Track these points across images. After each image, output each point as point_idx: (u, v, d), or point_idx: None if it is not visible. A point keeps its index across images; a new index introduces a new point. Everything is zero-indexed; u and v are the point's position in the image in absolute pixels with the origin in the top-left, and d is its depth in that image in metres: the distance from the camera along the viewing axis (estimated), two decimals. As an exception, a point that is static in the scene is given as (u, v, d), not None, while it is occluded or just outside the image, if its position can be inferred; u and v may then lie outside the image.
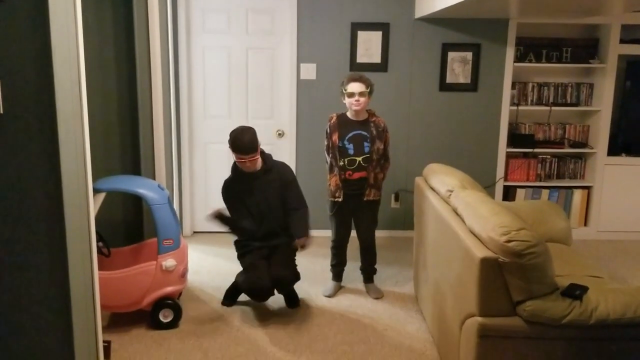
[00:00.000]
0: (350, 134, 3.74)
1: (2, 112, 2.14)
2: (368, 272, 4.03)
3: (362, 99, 3.66)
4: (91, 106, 2.72)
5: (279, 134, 5.05)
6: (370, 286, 4.01)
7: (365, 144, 3.73)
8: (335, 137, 3.74)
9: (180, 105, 4.93)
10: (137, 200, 3.95)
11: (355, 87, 3.66)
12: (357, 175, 3.76)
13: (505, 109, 5.03)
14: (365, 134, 3.73)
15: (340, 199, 3.78)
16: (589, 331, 2.37)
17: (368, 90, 3.69)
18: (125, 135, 3.91)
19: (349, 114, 3.78)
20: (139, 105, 3.90)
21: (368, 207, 3.84)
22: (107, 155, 3.79)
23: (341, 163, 3.75)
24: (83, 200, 2.48)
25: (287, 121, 5.02)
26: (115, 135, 3.84)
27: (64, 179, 2.26)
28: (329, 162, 3.82)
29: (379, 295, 3.93)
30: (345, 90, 3.69)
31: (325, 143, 3.83)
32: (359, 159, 3.74)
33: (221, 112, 5.02)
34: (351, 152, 3.73)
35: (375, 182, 3.78)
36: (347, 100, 3.71)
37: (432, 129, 5.06)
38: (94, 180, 3.06)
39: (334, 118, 3.81)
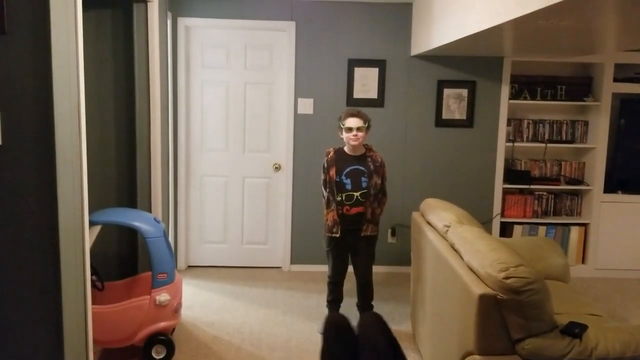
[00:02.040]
0: (348, 169, 3.74)
1: (1, 143, 2.14)
2: (364, 309, 3.98)
3: (360, 134, 3.68)
4: (89, 138, 2.73)
5: (276, 168, 5.05)
6: None
7: (363, 179, 3.73)
8: (332, 172, 3.74)
9: (178, 138, 4.95)
10: (132, 233, 3.92)
11: (353, 122, 3.68)
12: (354, 210, 3.74)
13: (501, 145, 5.06)
14: (363, 169, 3.73)
15: (337, 235, 3.76)
16: (589, 370, 2.33)
17: (366, 125, 3.71)
18: (123, 168, 3.91)
19: (346, 149, 3.79)
20: (137, 138, 3.90)
21: (365, 242, 3.82)
22: (104, 187, 3.78)
23: (339, 198, 3.74)
24: (79, 232, 2.46)
25: (284, 155, 5.04)
26: (112, 167, 3.84)
27: (60, 210, 2.25)
28: (325, 196, 3.81)
29: None
30: (343, 125, 3.71)
31: (322, 177, 3.83)
32: (357, 194, 3.73)
33: (218, 146, 5.04)
34: (349, 187, 3.73)
35: (372, 217, 3.77)
36: (344, 135, 3.72)
37: (429, 164, 5.08)
38: (90, 213, 3.04)
39: (332, 153, 3.82)
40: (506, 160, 5.12)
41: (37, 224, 2.23)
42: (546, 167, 5.20)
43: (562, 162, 5.21)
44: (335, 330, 2.50)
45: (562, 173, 5.21)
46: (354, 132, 3.67)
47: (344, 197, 3.74)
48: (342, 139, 3.76)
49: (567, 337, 2.35)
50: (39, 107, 2.16)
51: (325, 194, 3.81)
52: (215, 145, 5.04)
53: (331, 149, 3.84)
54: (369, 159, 3.75)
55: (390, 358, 2.37)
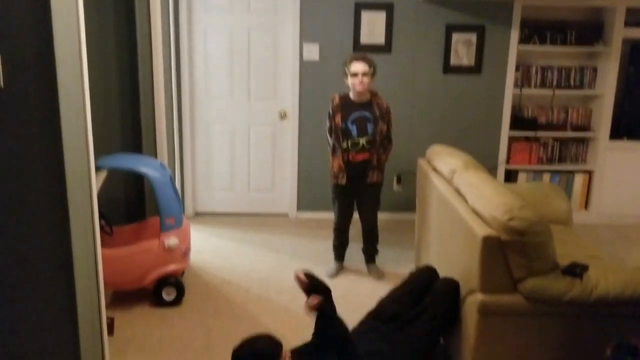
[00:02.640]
0: (354, 116, 3.72)
1: (2, 86, 2.14)
2: (370, 254, 4.05)
3: (366, 79, 3.64)
4: (92, 84, 2.71)
5: (282, 116, 5.04)
6: (372, 267, 4.03)
7: (369, 125, 3.72)
8: (338, 119, 3.73)
9: (182, 85, 4.92)
10: (138, 179, 3.97)
11: (358, 67, 3.63)
12: (360, 157, 3.75)
13: (509, 91, 5.01)
14: (369, 115, 3.71)
15: (343, 182, 3.78)
16: (588, 309, 2.38)
17: (371, 70, 3.67)
18: (127, 114, 3.91)
19: (351, 95, 3.76)
20: (140, 84, 3.89)
21: (371, 189, 3.85)
22: (109, 133, 3.79)
23: (344, 145, 3.74)
24: (85, 176, 2.48)
25: (290, 102, 5.01)
26: (116, 113, 3.84)
27: (66, 154, 2.27)
28: (331, 144, 3.82)
29: (380, 276, 3.95)
30: (349, 70, 3.67)
31: (328, 125, 3.83)
32: (362, 140, 3.72)
33: (223, 93, 5.01)
34: (354, 133, 3.72)
35: (378, 164, 3.79)
36: (350, 81, 3.68)
37: (435, 111, 5.05)
38: (95, 158, 3.07)
39: (337, 99, 3.79)
40: (513, 107, 5.08)
41: (42, 167, 2.25)
42: (553, 114, 5.17)
43: (569, 109, 5.17)
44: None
45: (569, 120, 5.18)
46: (360, 78, 3.63)
47: (349, 144, 3.73)
48: (348, 85, 3.73)
49: (568, 277, 2.40)
50: (40, 50, 2.15)
51: (331, 141, 3.81)
52: (220, 93, 5.01)
53: (336, 95, 3.82)
54: (375, 105, 3.73)
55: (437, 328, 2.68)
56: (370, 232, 4.00)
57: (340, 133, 3.73)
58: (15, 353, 2.43)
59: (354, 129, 3.72)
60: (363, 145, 3.73)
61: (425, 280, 2.86)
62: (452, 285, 2.71)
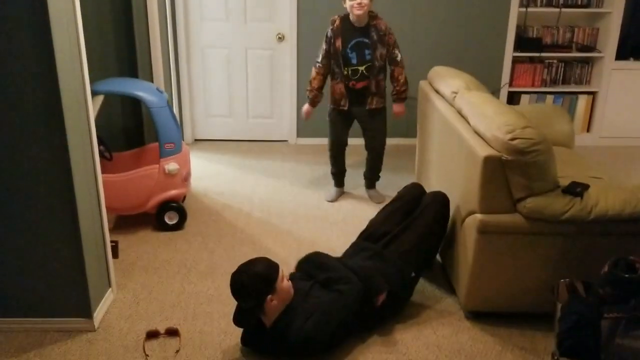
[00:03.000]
0: (353, 42, 3.62)
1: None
2: (371, 179, 4.05)
3: (365, 1, 3.51)
4: (84, 9, 2.63)
5: (279, 38, 4.91)
6: (372, 192, 4.05)
7: (367, 51, 3.62)
8: (338, 43, 3.63)
9: (176, 6, 4.76)
10: (136, 104, 3.92)
11: None
12: (360, 84, 3.70)
13: (514, 10, 4.85)
14: (367, 41, 3.61)
15: (345, 107, 3.74)
16: (588, 227, 2.41)
17: None
18: (121, 38, 3.81)
19: (351, 18, 3.63)
20: (133, 6, 3.77)
21: (373, 115, 3.80)
22: (104, 57, 3.70)
23: (345, 72, 3.67)
24: (82, 100, 2.44)
25: (288, 24, 4.87)
26: (110, 37, 3.74)
27: (60, 77, 2.22)
28: (318, 65, 3.73)
29: (380, 200, 3.98)
30: None
31: (325, 47, 3.70)
32: (362, 68, 3.65)
33: (218, 15, 4.86)
34: (354, 61, 3.64)
35: (377, 89, 3.72)
36: (348, 4, 3.55)
37: (438, 33, 4.92)
38: (91, 83, 3.01)
39: (337, 21, 3.66)
40: (518, 27, 4.94)
41: (37, 92, 2.22)
42: (558, 33, 5.03)
43: (575, 29, 5.03)
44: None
45: (575, 40, 5.05)
46: (359, 0, 3.50)
47: (350, 72, 3.67)
48: (346, 8, 3.59)
49: (568, 196, 2.40)
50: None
51: (319, 62, 3.72)
52: (215, 15, 4.86)
53: (337, 17, 3.69)
54: (372, 29, 3.62)
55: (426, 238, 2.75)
56: (375, 159, 3.98)
57: (340, 59, 3.65)
58: (22, 280, 2.48)
59: (353, 57, 3.64)
60: (363, 72, 3.66)
61: (413, 197, 2.93)
62: (439, 197, 2.78)
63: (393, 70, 3.73)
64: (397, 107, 3.83)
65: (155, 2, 3.94)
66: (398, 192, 3.03)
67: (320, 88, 3.81)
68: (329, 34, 3.68)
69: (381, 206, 3.86)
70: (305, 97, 3.90)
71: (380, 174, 4.08)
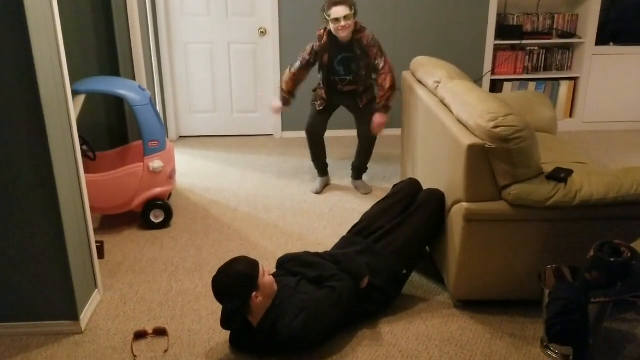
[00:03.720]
0: (340, 57, 3.68)
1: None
2: (359, 169, 4.05)
3: (348, 22, 3.52)
4: (62, 7, 2.59)
5: (261, 32, 4.88)
6: (359, 182, 4.05)
7: (353, 64, 3.69)
8: (325, 58, 3.69)
9: (156, 1, 4.70)
10: (119, 103, 3.88)
11: (338, 11, 3.49)
12: (347, 88, 3.79)
13: (494, -1, 4.87)
14: (351, 55, 3.66)
15: (320, 109, 3.84)
16: (572, 212, 2.42)
17: (352, 12, 3.53)
18: (101, 36, 3.76)
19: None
20: (112, 3, 3.72)
21: (365, 110, 3.81)
22: (84, 56, 3.65)
23: (333, 79, 3.76)
24: (62, 101, 2.41)
25: (270, 18, 4.84)
26: (90, 35, 3.69)
27: (39, 78, 2.19)
28: (295, 72, 3.76)
29: (367, 190, 3.98)
30: (329, 16, 3.53)
31: (306, 58, 3.72)
32: (349, 77, 3.73)
33: (200, 10, 4.82)
34: (342, 72, 3.73)
35: (365, 89, 3.78)
36: (332, 27, 3.56)
37: (419, 23, 4.92)
38: (71, 82, 2.97)
39: (325, 37, 3.66)
40: (498, 15, 4.96)
41: (16, 94, 2.18)
42: (539, 20, 5.06)
43: (555, 15, 5.06)
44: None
45: (555, 26, 5.08)
46: (342, 22, 3.50)
47: (337, 79, 3.76)
48: (330, 29, 3.60)
49: (553, 182, 2.42)
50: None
51: (295, 68, 3.76)
52: (196, 10, 4.82)
53: (323, 32, 3.68)
54: (356, 43, 3.63)
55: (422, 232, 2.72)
56: (366, 151, 3.98)
57: (327, 70, 3.73)
58: (6, 283, 2.45)
59: (341, 69, 3.72)
60: (350, 80, 3.75)
61: (409, 193, 2.88)
62: (435, 195, 2.74)
63: (377, 78, 3.69)
64: (377, 118, 3.70)
65: (134, -1, 3.90)
66: (394, 187, 3.00)
67: (292, 93, 3.85)
68: (315, 48, 3.69)
69: (368, 197, 3.90)
70: (283, 100, 3.89)
71: (367, 166, 4.07)
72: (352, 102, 3.84)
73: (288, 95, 3.85)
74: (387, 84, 3.65)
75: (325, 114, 3.90)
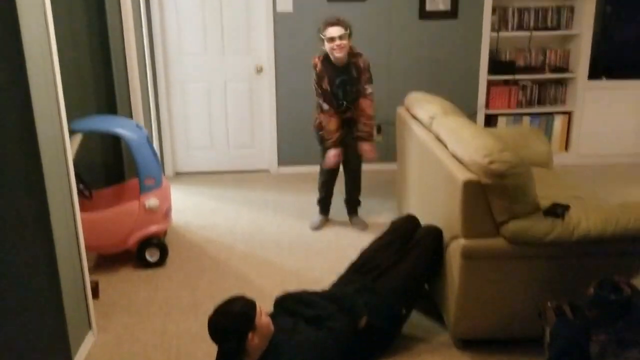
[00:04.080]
0: (338, 80, 3.67)
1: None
2: (353, 205, 4.05)
3: (344, 42, 3.55)
4: (60, 45, 2.61)
5: (258, 70, 4.93)
6: (355, 219, 4.03)
7: (350, 87, 3.69)
8: (325, 84, 3.68)
9: (154, 42, 4.77)
10: (115, 141, 3.89)
11: (334, 31, 3.53)
12: (345, 115, 3.77)
13: (486, 35, 4.95)
14: (347, 78, 3.67)
15: (341, 137, 3.78)
16: (571, 248, 2.41)
17: (347, 32, 3.57)
18: (99, 75, 3.79)
19: (332, 58, 3.65)
20: (111, 43, 3.76)
21: (356, 142, 3.81)
22: (81, 95, 3.68)
23: (336, 104, 3.73)
24: (59, 140, 2.42)
25: (265, 56, 4.90)
26: (88, 74, 3.72)
27: (36, 118, 2.20)
28: (323, 105, 3.70)
29: (364, 227, 3.96)
30: (324, 36, 3.56)
31: (319, 91, 3.71)
32: (347, 101, 3.73)
33: (196, 49, 4.88)
34: (341, 97, 3.71)
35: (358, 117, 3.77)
36: (327, 46, 3.58)
37: (413, 58, 4.99)
38: (69, 121, 2.98)
39: (319, 64, 3.68)
40: (491, 51, 5.03)
41: (14, 134, 2.18)
42: (531, 56, 5.13)
43: (547, 51, 5.14)
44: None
45: (547, 62, 5.15)
46: (337, 42, 3.53)
47: (337, 105, 3.74)
48: (326, 50, 3.62)
49: (550, 218, 2.41)
50: (2, 10, 2.04)
51: (323, 104, 3.70)
52: (194, 49, 4.88)
53: (317, 59, 3.70)
54: (353, 67, 3.66)
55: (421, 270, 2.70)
56: (354, 183, 3.99)
57: (331, 96, 3.70)
58: (-2, 322, 2.41)
59: (340, 93, 3.71)
60: (347, 105, 3.74)
61: (407, 230, 2.86)
62: (433, 232, 2.72)
63: (360, 102, 3.70)
64: (365, 145, 3.73)
65: (132, 38, 3.94)
66: (391, 223, 2.98)
67: (339, 128, 3.76)
68: (315, 78, 3.70)
69: (365, 233, 3.88)
70: (320, 141, 3.81)
71: (360, 199, 4.06)
72: (349, 133, 3.80)
73: (338, 133, 3.74)
74: (371, 112, 3.71)
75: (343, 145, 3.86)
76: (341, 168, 3.95)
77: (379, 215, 4.17)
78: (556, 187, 3.25)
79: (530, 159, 3.58)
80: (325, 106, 3.70)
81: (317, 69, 3.68)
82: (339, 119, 3.75)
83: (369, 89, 3.71)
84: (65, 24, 3.43)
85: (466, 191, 2.38)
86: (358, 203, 4.06)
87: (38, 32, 2.23)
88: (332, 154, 3.75)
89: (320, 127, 3.80)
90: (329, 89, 3.68)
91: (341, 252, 3.61)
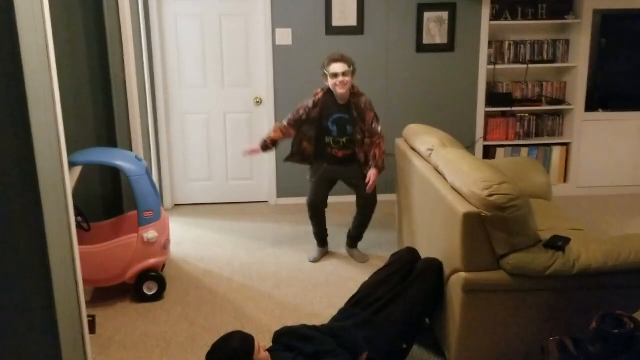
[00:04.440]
0: (335, 116, 3.66)
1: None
2: (355, 239, 4.02)
3: (347, 79, 3.54)
4: (61, 77, 2.63)
5: (257, 102, 4.97)
6: (355, 252, 4.01)
7: (348, 127, 3.67)
8: (316, 111, 3.67)
9: (155, 75, 4.82)
10: (115, 173, 3.89)
11: (338, 67, 3.53)
12: (342, 153, 3.75)
13: (483, 68, 5.01)
14: (347, 117, 3.65)
15: (323, 170, 3.80)
16: (572, 281, 2.40)
17: (351, 69, 3.57)
18: (99, 107, 3.81)
19: (334, 93, 3.65)
20: (112, 76, 3.79)
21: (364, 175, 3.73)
22: (81, 127, 3.69)
23: (327, 140, 3.73)
24: (58, 174, 2.41)
25: (265, 88, 4.95)
26: (88, 107, 3.74)
27: (36, 151, 2.19)
28: (287, 126, 3.75)
29: (364, 259, 3.94)
30: (328, 71, 3.56)
31: (301, 113, 3.69)
32: (343, 139, 3.71)
33: (197, 82, 4.93)
34: (335, 133, 3.69)
35: (365, 157, 3.70)
36: (330, 82, 3.58)
37: (411, 91, 5.03)
38: (68, 154, 2.99)
39: (320, 94, 3.68)
40: (488, 84, 5.08)
41: (13, 167, 2.18)
42: (528, 88, 5.18)
43: (544, 83, 5.19)
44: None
45: (544, 94, 5.20)
46: (340, 78, 3.52)
47: (331, 141, 3.73)
48: (329, 86, 3.62)
49: (551, 250, 2.40)
50: (3, 45, 2.06)
51: (286, 123, 3.76)
52: (194, 82, 4.93)
53: (320, 91, 3.71)
54: (353, 107, 3.65)
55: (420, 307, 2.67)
56: (365, 219, 3.94)
57: (321, 129, 3.70)
58: (-7, 357, 2.37)
59: (334, 130, 3.69)
60: (344, 143, 3.72)
61: (407, 263, 2.84)
62: (434, 265, 2.70)
63: (372, 140, 3.68)
64: (373, 171, 3.69)
65: (133, 71, 3.98)
66: (391, 256, 2.95)
67: (275, 143, 3.81)
68: (309, 104, 3.68)
69: (365, 266, 3.85)
70: (263, 144, 3.82)
71: (364, 235, 4.04)
72: (352, 173, 3.77)
73: (270, 142, 3.79)
74: (383, 147, 3.72)
75: (325, 186, 3.88)
76: (354, 203, 3.95)
77: (379, 248, 4.16)
78: (556, 219, 3.24)
79: (529, 190, 3.58)
80: (285, 122, 3.75)
81: (316, 97, 3.68)
82: (284, 135, 3.77)
83: (378, 127, 3.68)
84: (67, 56, 3.47)
85: (466, 223, 2.37)
86: (360, 238, 4.04)
87: (40, 66, 2.25)
88: (253, 148, 3.84)
89: (270, 138, 3.78)
90: (318, 117, 3.66)
91: (340, 285, 3.58)
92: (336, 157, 3.77)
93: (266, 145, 3.81)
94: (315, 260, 3.94)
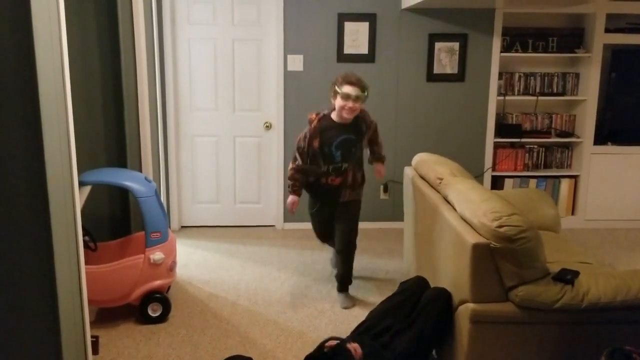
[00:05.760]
0: (339, 140, 3.46)
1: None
2: (341, 282, 3.72)
3: (357, 105, 3.37)
4: (75, 98, 2.67)
5: (267, 127, 5.01)
6: (340, 295, 3.71)
7: (354, 150, 3.51)
8: (316, 143, 3.47)
9: (167, 97, 4.88)
10: (123, 193, 3.90)
11: (351, 90, 3.34)
12: (337, 181, 3.56)
13: (493, 99, 5.03)
14: (354, 137, 3.49)
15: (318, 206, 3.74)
16: (581, 315, 2.37)
17: (364, 95, 3.39)
18: (111, 128, 3.85)
19: (334, 116, 3.48)
20: (124, 98, 3.84)
21: (347, 205, 3.61)
22: (92, 147, 3.72)
23: (324, 169, 3.53)
24: (68, 193, 2.43)
25: (275, 113, 4.99)
26: (100, 127, 3.78)
27: (48, 170, 2.21)
28: (297, 163, 3.54)
29: (348, 305, 3.62)
30: (340, 90, 3.36)
31: (301, 145, 3.51)
32: (345, 164, 3.52)
33: (207, 105, 4.98)
34: (338, 159, 3.49)
35: (353, 182, 3.57)
36: (338, 102, 3.37)
37: (420, 120, 5.06)
38: (79, 173, 3.01)
39: (315, 121, 3.49)
40: (497, 114, 5.10)
41: (24, 185, 2.20)
42: (537, 120, 5.20)
43: (553, 115, 5.21)
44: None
45: (553, 126, 5.21)
46: (350, 103, 3.33)
47: (330, 169, 3.53)
48: (334, 104, 3.43)
49: (559, 284, 2.38)
50: (20, 65, 2.10)
51: (298, 159, 3.54)
52: (205, 105, 4.98)
53: (314, 116, 3.51)
54: (362, 122, 3.52)
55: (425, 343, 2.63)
56: (349, 255, 3.67)
57: (320, 157, 3.50)
58: (-4, 376, 2.35)
59: (338, 155, 3.48)
60: (345, 168, 3.53)
61: (416, 292, 2.81)
62: (442, 295, 2.68)
63: (374, 146, 3.71)
64: (379, 165, 3.72)
65: (146, 93, 4.03)
66: (400, 285, 2.92)
67: (301, 183, 3.61)
68: (306, 134, 3.50)
69: (372, 294, 3.81)
70: (294, 192, 3.63)
71: (352, 279, 3.74)
72: (334, 197, 3.58)
73: (298, 184, 3.59)
74: (380, 138, 3.76)
75: (325, 223, 3.76)
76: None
77: (386, 274, 4.13)
78: (564, 252, 3.22)
79: (538, 222, 3.57)
80: (299, 161, 3.52)
81: (312, 125, 3.48)
82: (315, 186, 3.61)
83: (379, 136, 3.73)
84: (81, 77, 3.52)
85: (475, 254, 2.36)
86: (349, 282, 3.73)
87: (55, 87, 2.28)
88: (290, 200, 3.61)
89: (292, 178, 3.59)
90: (318, 147, 3.46)
91: (346, 313, 3.55)
92: (332, 187, 3.57)
93: (296, 190, 3.60)
94: (347, 307, 3.62)
